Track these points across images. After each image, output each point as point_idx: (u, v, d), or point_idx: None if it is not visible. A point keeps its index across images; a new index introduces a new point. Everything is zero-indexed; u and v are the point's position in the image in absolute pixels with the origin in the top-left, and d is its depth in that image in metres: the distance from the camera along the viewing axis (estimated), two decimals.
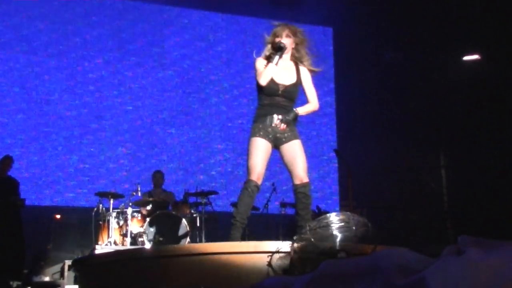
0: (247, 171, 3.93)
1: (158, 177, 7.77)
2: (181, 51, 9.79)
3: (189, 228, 6.76)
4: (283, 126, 3.94)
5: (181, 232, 6.71)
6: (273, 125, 3.93)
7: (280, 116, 3.94)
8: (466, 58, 8.86)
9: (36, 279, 6.79)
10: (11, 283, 6.41)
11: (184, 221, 6.79)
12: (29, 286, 6.58)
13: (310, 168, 10.58)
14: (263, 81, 3.96)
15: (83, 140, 8.92)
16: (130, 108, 9.28)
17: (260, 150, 3.92)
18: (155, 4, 9.79)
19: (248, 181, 3.89)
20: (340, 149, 8.42)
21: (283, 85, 3.99)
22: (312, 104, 4.13)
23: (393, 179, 9.33)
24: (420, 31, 9.27)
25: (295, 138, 4.01)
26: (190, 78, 9.74)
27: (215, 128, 9.59)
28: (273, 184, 7.53)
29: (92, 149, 8.93)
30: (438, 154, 9.45)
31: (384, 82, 9.66)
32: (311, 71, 4.14)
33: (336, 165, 10.00)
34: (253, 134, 3.98)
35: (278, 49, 3.98)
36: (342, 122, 10.30)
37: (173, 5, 9.85)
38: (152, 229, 6.64)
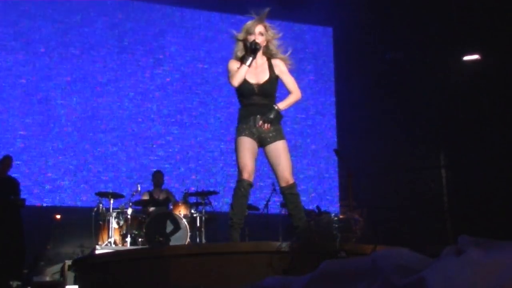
0: (238, 170, 3.94)
1: (158, 177, 7.77)
2: (181, 51, 9.79)
3: (189, 228, 6.76)
4: (266, 126, 3.92)
5: (181, 232, 6.71)
6: (256, 126, 3.92)
7: (260, 117, 3.92)
8: (466, 58, 8.86)
9: (36, 279, 6.79)
10: (11, 283, 6.41)
11: (184, 221, 6.79)
12: (29, 286, 6.58)
13: (310, 168, 10.60)
14: (236, 82, 3.93)
15: (83, 140, 8.92)
16: (130, 107, 9.28)
17: (246, 148, 3.92)
18: (155, 4, 9.79)
19: (239, 180, 3.89)
20: (340, 149, 8.42)
21: (257, 84, 3.96)
22: (293, 94, 4.07)
23: (393, 179, 9.32)
24: (420, 31, 9.27)
25: (280, 138, 3.99)
26: (190, 78, 9.74)
27: (215, 128, 9.60)
28: (273, 184, 7.51)
29: (92, 149, 8.93)
30: (438, 154, 9.45)
31: (384, 82, 9.66)
32: (285, 62, 4.07)
33: (336, 165, 10.00)
34: (238, 134, 4.00)
35: (253, 50, 3.92)
36: (342, 122, 10.30)
37: (173, 5, 9.85)
38: (152, 229, 6.64)
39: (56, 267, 7.20)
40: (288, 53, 4.10)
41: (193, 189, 7.62)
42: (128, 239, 6.59)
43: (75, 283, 5.96)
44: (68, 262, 6.38)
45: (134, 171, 8.96)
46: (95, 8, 9.47)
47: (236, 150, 4.00)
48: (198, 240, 6.80)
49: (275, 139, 3.97)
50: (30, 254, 7.24)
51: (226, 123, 9.55)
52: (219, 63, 9.89)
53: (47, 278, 7.03)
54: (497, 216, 7.75)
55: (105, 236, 6.76)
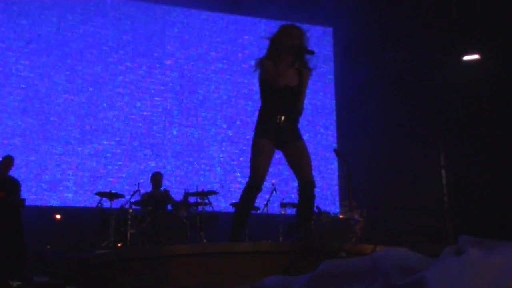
0: (250, 170, 3.93)
1: (157, 178, 7.76)
2: (181, 51, 9.79)
3: (189, 228, 6.76)
4: (285, 126, 3.92)
5: (181, 232, 6.71)
6: (279, 125, 3.91)
7: (284, 117, 3.92)
8: (466, 58, 8.86)
9: (36, 279, 6.78)
10: (11, 283, 6.40)
11: (184, 221, 6.78)
12: (29, 286, 6.57)
13: None
14: (280, 83, 3.89)
15: (83, 140, 8.92)
16: (130, 108, 9.28)
17: (263, 151, 3.92)
18: (155, 4, 9.79)
19: (250, 181, 3.89)
20: (340, 149, 8.41)
21: (288, 86, 3.97)
22: (300, 105, 4.10)
23: (393, 179, 9.32)
24: (420, 31, 9.27)
25: (299, 138, 4.02)
26: (190, 77, 9.74)
27: (215, 128, 9.59)
28: (273, 184, 7.52)
29: (92, 149, 8.93)
30: (438, 154, 9.45)
31: (384, 82, 9.66)
32: (309, 73, 4.10)
33: (336, 165, 10.00)
34: (257, 134, 3.97)
35: (301, 53, 3.90)
36: (342, 122, 10.30)
37: (173, 5, 9.85)
38: (152, 229, 6.64)
39: (56, 267, 7.19)
40: (315, 64, 4.12)
41: (193, 189, 7.60)
42: (128, 239, 6.58)
43: (75, 283, 5.96)
44: (68, 263, 6.38)
45: (134, 171, 8.96)
46: (95, 8, 9.47)
47: (252, 150, 3.96)
48: (198, 240, 6.80)
49: (295, 139, 3.99)
50: (30, 254, 7.24)
51: (226, 123, 9.54)
52: (220, 64, 9.89)
53: (47, 278, 7.02)
54: (497, 216, 7.75)
55: (105, 236, 6.75)
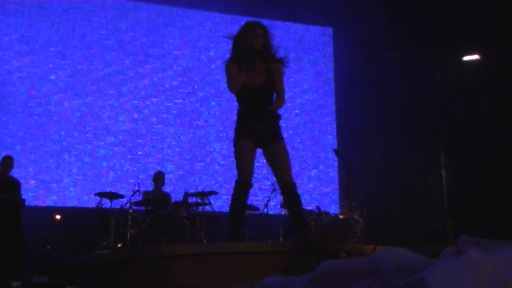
0: (237, 170, 3.95)
1: (160, 177, 7.76)
2: (180, 51, 9.79)
3: (189, 228, 6.76)
4: (263, 128, 3.92)
5: (181, 232, 6.71)
6: (255, 127, 3.92)
7: (258, 122, 3.91)
8: (466, 58, 8.86)
9: (36, 279, 6.78)
10: (11, 283, 6.40)
11: (184, 221, 6.78)
12: (29, 286, 6.57)
13: (310, 168, 10.60)
14: (234, 89, 3.93)
15: (83, 140, 8.92)
16: (130, 108, 9.28)
17: (245, 149, 3.94)
18: (155, 5, 9.79)
19: (238, 180, 3.90)
20: (340, 149, 8.41)
21: (256, 87, 3.94)
22: (280, 100, 4.04)
23: (393, 179, 9.32)
24: (420, 31, 9.27)
25: (278, 138, 3.98)
26: (190, 78, 9.74)
27: (215, 128, 9.59)
28: (273, 184, 7.51)
29: (92, 149, 8.93)
30: (438, 154, 9.45)
31: (384, 82, 9.66)
32: (282, 65, 4.04)
33: (336, 165, 9.99)
34: (236, 135, 4.02)
35: (251, 57, 3.87)
36: (342, 122, 10.30)
37: (173, 5, 9.85)
38: (152, 230, 6.64)
39: (57, 267, 7.19)
40: (286, 55, 4.06)
41: (193, 189, 7.60)
42: (128, 239, 6.58)
43: (75, 283, 5.96)
44: (68, 263, 6.38)
45: (134, 171, 8.96)
46: (95, 8, 9.47)
47: (235, 151, 4.03)
48: (198, 240, 6.80)
49: (273, 140, 3.96)
50: (30, 254, 7.24)
51: (226, 124, 9.54)
52: (219, 63, 9.89)
53: (47, 278, 7.02)
54: (497, 216, 7.75)
55: (105, 236, 6.75)
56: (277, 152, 3.95)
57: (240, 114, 4.05)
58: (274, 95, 4.07)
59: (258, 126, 3.91)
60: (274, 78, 3.99)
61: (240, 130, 4.00)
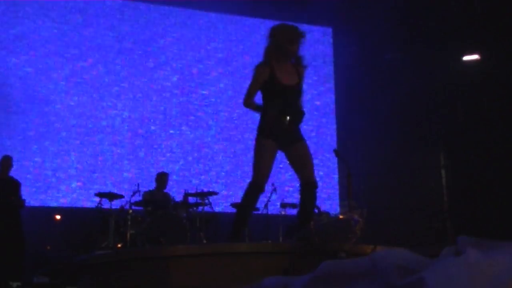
0: (254, 171, 3.92)
1: (163, 178, 7.74)
2: (180, 51, 9.78)
3: (189, 228, 6.76)
4: (291, 127, 3.92)
5: (181, 232, 6.71)
6: (286, 128, 3.90)
7: (289, 118, 3.91)
8: (466, 58, 8.87)
9: (36, 279, 6.78)
10: (11, 283, 6.40)
11: (184, 221, 6.78)
12: (29, 286, 6.57)
13: None
14: (246, 105, 4.03)
15: (82, 141, 8.92)
16: (130, 108, 9.28)
17: (268, 152, 3.91)
18: (154, 4, 9.79)
19: (253, 182, 3.88)
20: (340, 149, 8.42)
21: (290, 85, 3.98)
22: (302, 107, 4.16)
23: (393, 179, 9.32)
24: (420, 31, 9.27)
25: (302, 138, 4.03)
26: (189, 78, 9.74)
27: (215, 128, 9.59)
28: (273, 185, 7.52)
29: (91, 150, 8.93)
30: (438, 154, 9.45)
31: (384, 82, 9.66)
32: (305, 71, 4.16)
33: (336, 165, 9.99)
34: (262, 135, 3.95)
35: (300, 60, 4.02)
36: (342, 122, 10.30)
37: (172, 5, 9.85)
38: (152, 230, 6.64)
39: (56, 268, 7.20)
40: (306, 64, 4.17)
41: (192, 189, 7.60)
42: (128, 240, 6.58)
43: (75, 283, 5.96)
44: (68, 263, 6.38)
45: (133, 171, 8.96)
46: (95, 9, 9.46)
47: (255, 150, 3.95)
48: (198, 240, 6.80)
49: (298, 139, 4.00)
50: (30, 255, 7.24)
51: (226, 124, 9.54)
52: (219, 64, 9.89)
53: (47, 279, 7.02)
54: (497, 216, 7.75)
55: (105, 237, 6.75)
56: (303, 151, 3.98)
57: (269, 111, 3.97)
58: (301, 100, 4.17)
59: (290, 124, 3.89)
60: (301, 82, 4.10)
61: (266, 128, 3.94)
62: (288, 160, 4.05)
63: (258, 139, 3.96)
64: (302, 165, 3.97)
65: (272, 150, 3.92)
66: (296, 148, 3.98)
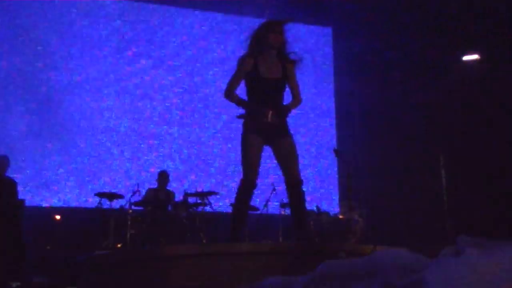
0: (243, 168, 3.92)
1: (163, 177, 7.77)
2: (180, 50, 9.79)
3: (189, 228, 6.76)
4: (276, 120, 3.90)
5: (180, 232, 6.71)
6: (267, 121, 3.89)
7: (273, 111, 3.90)
8: (466, 57, 8.86)
9: (36, 279, 6.78)
10: (10, 283, 6.40)
11: (184, 221, 6.79)
12: (28, 286, 6.57)
13: (310, 168, 10.58)
14: (226, 96, 4.05)
15: (83, 141, 8.92)
16: (130, 107, 9.28)
17: (253, 147, 3.90)
18: (155, 4, 9.80)
19: (244, 179, 3.88)
20: (340, 149, 8.41)
21: (271, 79, 3.96)
22: (296, 100, 4.12)
23: (392, 179, 9.32)
24: (419, 30, 9.27)
25: (288, 133, 3.99)
26: (190, 77, 9.74)
27: (215, 128, 9.59)
28: (272, 184, 7.52)
29: (91, 149, 8.93)
30: (438, 153, 9.45)
31: (384, 81, 9.66)
32: (294, 66, 4.11)
33: (336, 165, 9.99)
34: (245, 130, 3.97)
35: (283, 51, 3.98)
36: (342, 122, 10.30)
37: (172, 4, 9.85)
38: (151, 230, 6.64)
39: (56, 268, 7.20)
40: (300, 57, 4.13)
41: (192, 189, 7.60)
42: (128, 240, 6.59)
43: (75, 284, 5.96)
44: (68, 263, 6.38)
45: (133, 171, 8.96)
46: (95, 8, 9.46)
47: (242, 148, 3.95)
48: (198, 240, 6.80)
49: (283, 134, 3.96)
50: (29, 255, 7.23)
51: (226, 123, 9.54)
52: (219, 63, 9.89)
53: (47, 279, 7.03)
54: (497, 216, 7.75)
55: (104, 237, 6.75)
56: (286, 147, 3.95)
57: (251, 106, 3.99)
58: (283, 95, 4.09)
59: (271, 118, 3.87)
60: (288, 77, 4.04)
61: (249, 123, 3.95)
62: (274, 154, 4.04)
63: (243, 135, 3.96)
64: (286, 162, 3.95)
65: (257, 145, 3.90)
66: (282, 143, 3.96)
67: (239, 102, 4.03)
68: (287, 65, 4.06)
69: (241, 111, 4.07)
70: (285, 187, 4.00)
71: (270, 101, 3.95)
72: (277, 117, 3.91)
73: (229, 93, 4.05)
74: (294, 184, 3.92)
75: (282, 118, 3.94)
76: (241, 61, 4.01)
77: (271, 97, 3.96)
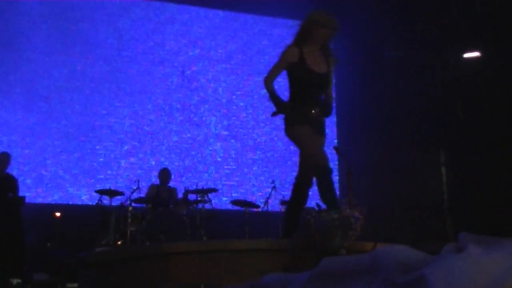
0: (307, 159, 3.80)
1: (165, 174, 7.79)
2: (181, 48, 9.78)
3: (189, 225, 6.76)
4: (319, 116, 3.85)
5: (181, 230, 6.71)
6: (314, 116, 3.82)
7: (316, 109, 3.84)
8: (466, 55, 8.85)
9: (36, 277, 6.79)
10: (11, 280, 6.41)
11: (184, 218, 6.79)
12: (29, 284, 6.58)
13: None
14: (266, 85, 3.80)
15: (83, 138, 8.92)
16: (130, 106, 9.27)
17: (310, 133, 3.78)
18: (155, 2, 9.78)
19: (310, 164, 3.77)
20: (340, 147, 8.40)
21: (318, 73, 3.85)
22: (331, 98, 4.06)
23: (393, 176, 9.32)
24: (420, 29, 9.25)
25: (324, 134, 4.02)
26: (190, 75, 9.73)
27: (215, 126, 9.58)
28: (273, 182, 7.52)
29: (92, 147, 8.93)
30: (438, 152, 9.45)
31: (384, 80, 9.65)
32: (335, 64, 4.03)
33: (336, 163, 9.98)
34: (295, 123, 3.83)
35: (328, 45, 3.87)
36: (342, 122, 10.29)
37: (172, 2, 9.84)
38: (152, 227, 6.64)
39: (56, 266, 7.20)
40: (337, 59, 4.04)
41: (193, 186, 7.60)
42: (128, 237, 6.59)
43: (75, 282, 5.97)
44: (68, 261, 6.38)
45: (134, 168, 8.96)
46: (95, 6, 9.45)
47: (299, 138, 3.82)
48: (198, 238, 6.80)
49: (323, 134, 3.97)
50: (29, 252, 7.24)
51: (226, 121, 9.54)
52: (220, 61, 9.88)
53: (47, 276, 7.03)
54: (497, 214, 7.75)
55: (105, 234, 6.76)
56: (323, 146, 3.91)
57: (296, 101, 3.83)
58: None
59: (317, 114, 3.80)
60: (330, 73, 3.94)
61: (296, 117, 3.80)
62: None
63: (295, 128, 3.82)
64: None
65: (313, 132, 3.80)
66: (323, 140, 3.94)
67: (272, 94, 3.81)
68: (330, 60, 3.95)
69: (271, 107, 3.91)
70: (315, 180, 3.87)
71: (315, 95, 3.86)
72: (322, 115, 3.85)
73: (270, 82, 3.81)
74: (328, 171, 3.82)
75: (325, 116, 3.90)
76: (288, 49, 3.85)
77: (316, 91, 3.86)
